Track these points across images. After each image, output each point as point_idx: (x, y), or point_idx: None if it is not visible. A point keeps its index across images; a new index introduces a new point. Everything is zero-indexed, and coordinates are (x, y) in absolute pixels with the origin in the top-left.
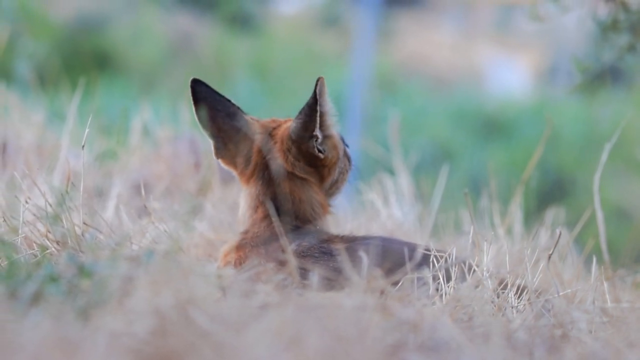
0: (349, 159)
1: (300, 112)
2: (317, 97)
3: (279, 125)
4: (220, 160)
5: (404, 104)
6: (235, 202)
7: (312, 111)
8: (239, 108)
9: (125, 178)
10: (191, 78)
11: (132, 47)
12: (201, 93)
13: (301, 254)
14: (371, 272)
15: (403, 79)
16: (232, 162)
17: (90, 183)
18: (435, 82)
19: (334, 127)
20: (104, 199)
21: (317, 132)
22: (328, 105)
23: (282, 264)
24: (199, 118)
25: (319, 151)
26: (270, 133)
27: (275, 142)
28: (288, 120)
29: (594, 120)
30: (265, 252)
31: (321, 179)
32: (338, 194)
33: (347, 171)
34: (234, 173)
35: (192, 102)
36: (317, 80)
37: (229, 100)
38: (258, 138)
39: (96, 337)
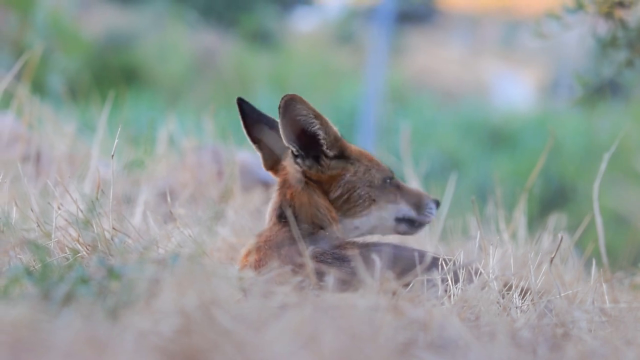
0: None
1: None
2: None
3: None
4: (268, 170)
5: (414, 116)
6: (256, 209)
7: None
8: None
9: (152, 186)
10: (237, 98)
11: (159, 62)
12: (247, 110)
13: (314, 260)
14: (384, 274)
15: (414, 93)
16: (277, 168)
17: (119, 190)
18: (444, 96)
19: (338, 149)
20: (132, 205)
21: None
22: (326, 130)
23: (298, 266)
24: (249, 133)
25: (297, 163)
26: None
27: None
28: None
29: (593, 132)
30: (279, 255)
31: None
32: (356, 218)
33: (369, 199)
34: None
35: (241, 121)
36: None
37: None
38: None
39: (124, 335)
